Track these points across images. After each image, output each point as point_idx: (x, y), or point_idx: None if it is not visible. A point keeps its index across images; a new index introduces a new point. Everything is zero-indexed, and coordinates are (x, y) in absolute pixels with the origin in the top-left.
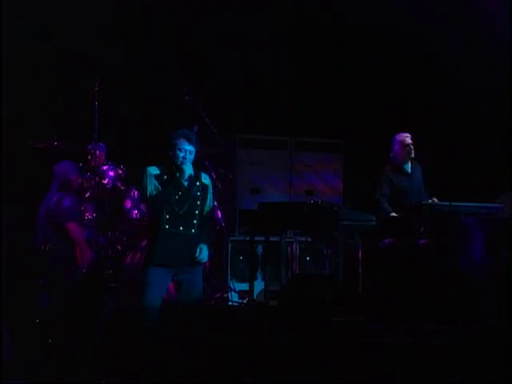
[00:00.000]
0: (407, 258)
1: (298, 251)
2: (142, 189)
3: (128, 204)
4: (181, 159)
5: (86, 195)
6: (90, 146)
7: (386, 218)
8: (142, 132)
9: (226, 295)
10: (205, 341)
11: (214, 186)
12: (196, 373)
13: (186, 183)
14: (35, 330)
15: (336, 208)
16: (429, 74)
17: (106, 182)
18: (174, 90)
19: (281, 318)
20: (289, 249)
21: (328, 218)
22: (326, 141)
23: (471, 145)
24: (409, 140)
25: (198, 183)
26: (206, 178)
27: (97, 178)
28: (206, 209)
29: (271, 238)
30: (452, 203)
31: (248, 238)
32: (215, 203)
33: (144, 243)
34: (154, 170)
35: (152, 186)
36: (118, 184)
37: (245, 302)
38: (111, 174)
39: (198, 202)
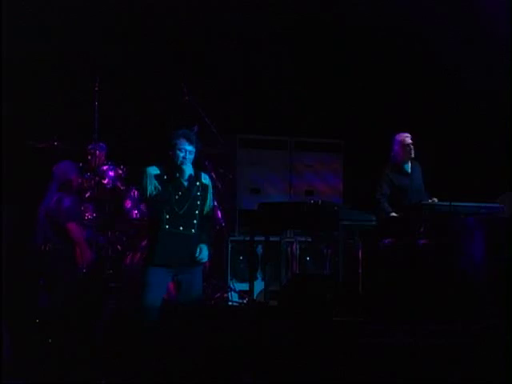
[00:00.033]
0: (407, 257)
1: (298, 251)
2: (142, 189)
3: (128, 204)
4: (181, 159)
5: (86, 195)
6: (90, 146)
7: (386, 218)
8: (142, 132)
9: (225, 295)
10: (205, 341)
11: (214, 186)
12: (196, 373)
13: (186, 183)
14: (35, 329)
15: (336, 208)
16: (429, 74)
17: (106, 181)
18: (174, 90)
19: (281, 318)
20: (289, 249)
21: (328, 218)
22: (326, 141)
23: (471, 145)
24: (409, 140)
25: (197, 183)
26: (205, 178)
27: (97, 178)
28: (206, 209)
29: (271, 238)
30: (452, 203)
31: (248, 238)
32: (215, 203)
33: (144, 243)
34: (153, 170)
35: (152, 186)
36: (118, 184)
37: (245, 302)
38: (111, 173)
39: (198, 202)
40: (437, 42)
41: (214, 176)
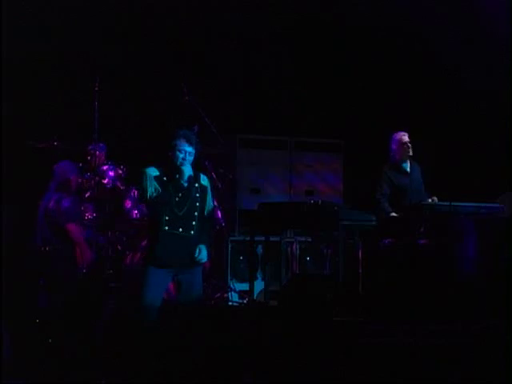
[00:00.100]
0: (407, 257)
1: (298, 251)
2: (142, 190)
3: (128, 204)
4: (180, 160)
5: (86, 195)
6: (90, 146)
7: (386, 218)
8: (142, 132)
9: (226, 295)
10: (205, 341)
11: (214, 186)
12: (196, 373)
13: (185, 184)
14: (35, 329)
15: (336, 208)
16: (429, 74)
17: (105, 181)
18: (174, 89)
19: (281, 318)
20: (289, 249)
21: (328, 218)
22: (326, 141)
23: (471, 145)
24: (406, 138)
25: (196, 184)
26: (204, 180)
27: (97, 178)
28: (206, 210)
29: (271, 238)
30: (452, 203)
31: (248, 238)
32: (215, 203)
33: (144, 243)
34: (153, 172)
35: (152, 188)
36: (118, 184)
37: (245, 302)
38: (111, 173)
39: (197, 204)
40: (437, 41)
41: (214, 176)
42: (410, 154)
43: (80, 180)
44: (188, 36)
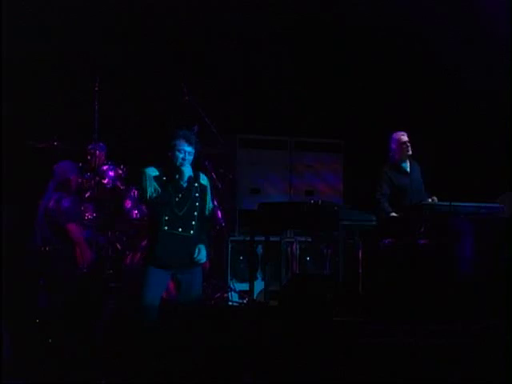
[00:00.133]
0: (407, 257)
1: (298, 251)
2: (142, 190)
3: (128, 204)
4: (180, 160)
5: (86, 195)
6: (90, 146)
7: (386, 218)
8: (142, 132)
9: (226, 295)
10: (205, 341)
11: (214, 186)
12: (196, 373)
13: (185, 184)
14: (35, 329)
15: (336, 208)
16: (429, 74)
17: (105, 181)
18: (174, 89)
19: (281, 318)
20: (289, 249)
21: (328, 218)
22: (326, 141)
23: (471, 145)
24: (405, 138)
25: (196, 184)
26: (203, 179)
27: (97, 178)
28: (206, 210)
29: (271, 238)
30: (452, 203)
31: (248, 238)
32: (215, 203)
33: (144, 243)
34: (152, 172)
35: (152, 188)
36: (118, 184)
37: (245, 302)
38: (111, 173)
39: (197, 204)
40: (437, 41)
41: (214, 176)
42: (409, 153)
43: (80, 180)
44: (188, 36)
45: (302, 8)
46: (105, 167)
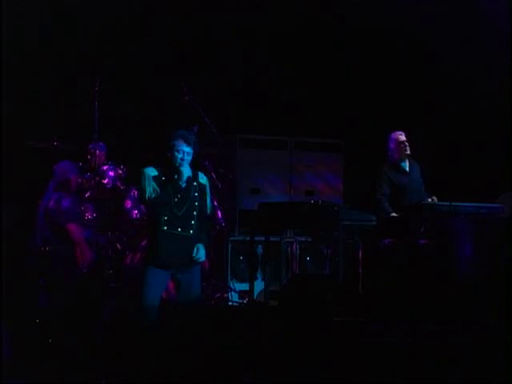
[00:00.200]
0: (407, 257)
1: (298, 251)
2: (141, 190)
3: (128, 204)
4: (179, 161)
5: (86, 195)
6: (89, 146)
7: (386, 218)
8: (142, 132)
9: (225, 295)
10: (205, 341)
11: (214, 186)
12: (196, 373)
13: (184, 185)
14: (35, 329)
15: (336, 208)
16: (429, 74)
17: (105, 181)
18: (174, 90)
19: (281, 318)
20: (289, 249)
21: (328, 218)
22: (326, 141)
23: (471, 145)
24: (403, 137)
25: (195, 183)
26: (202, 178)
27: (97, 178)
28: (206, 210)
29: (271, 238)
30: (452, 203)
31: (248, 238)
32: (215, 203)
33: (144, 243)
34: (151, 172)
35: (150, 188)
36: (118, 184)
37: (245, 302)
38: (111, 174)
39: (196, 203)
40: (437, 41)
41: (213, 176)
42: (408, 152)
43: (80, 180)
44: (188, 36)
45: (302, 8)
46: (105, 167)
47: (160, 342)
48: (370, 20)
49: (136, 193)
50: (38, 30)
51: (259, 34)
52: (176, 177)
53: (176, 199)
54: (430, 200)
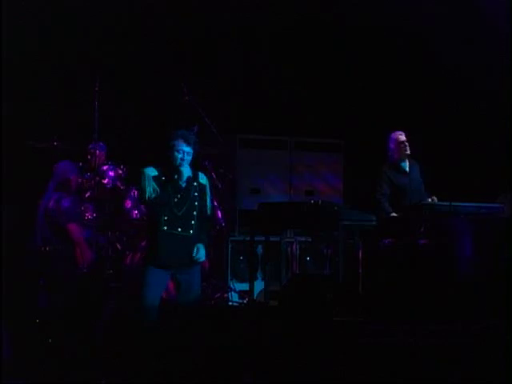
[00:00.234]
0: (407, 257)
1: (298, 251)
2: (141, 190)
3: (128, 204)
4: (179, 161)
5: (86, 195)
6: (89, 146)
7: (386, 218)
8: (142, 132)
9: (226, 295)
10: (205, 341)
11: (214, 186)
12: (196, 373)
13: (184, 185)
14: (35, 329)
15: (336, 208)
16: (429, 74)
17: (105, 181)
18: (174, 90)
19: (281, 318)
20: (289, 249)
21: (328, 218)
22: (326, 141)
23: (471, 145)
24: (403, 137)
25: (195, 183)
26: (202, 178)
27: (97, 178)
28: (206, 210)
29: (271, 238)
30: (452, 203)
31: (248, 238)
32: (215, 203)
33: (144, 243)
34: (151, 172)
35: (150, 188)
36: (118, 184)
37: (245, 302)
38: (111, 173)
39: (196, 203)
40: (437, 41)
41: (213, 176)
42: (408, 152)
43: (80, 180)
44: (188, 36)
45: (302, 8)
46: (105, 167)
47: (160, 342)
48: (370, 20)
49: (136, 193)
50: (38, 30)
51: (259, 33)
52: (176, 177)
53: (176, 199)
54: (430, 200)
